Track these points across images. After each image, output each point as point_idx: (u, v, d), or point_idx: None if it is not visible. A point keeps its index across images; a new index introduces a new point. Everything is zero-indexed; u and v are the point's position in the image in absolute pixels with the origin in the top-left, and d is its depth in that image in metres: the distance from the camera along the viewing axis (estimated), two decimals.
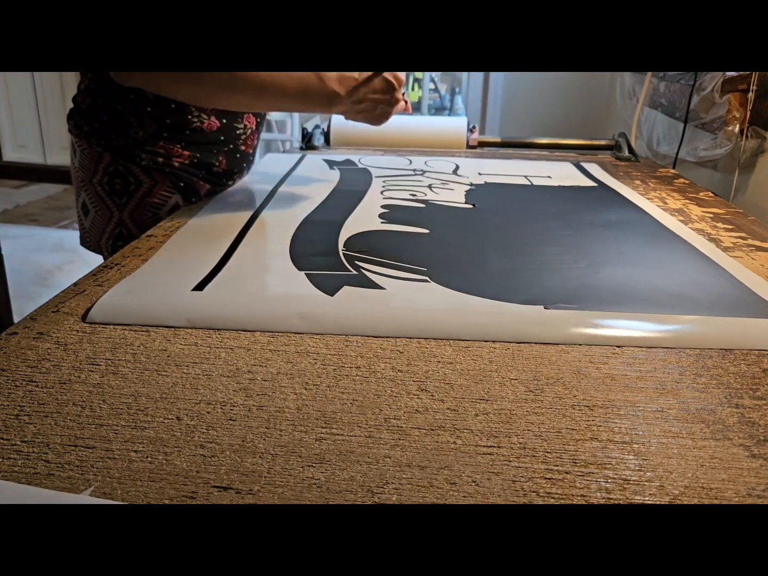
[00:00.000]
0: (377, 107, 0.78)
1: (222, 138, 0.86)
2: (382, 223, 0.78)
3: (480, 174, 1.09)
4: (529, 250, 0.70)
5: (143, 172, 0.82)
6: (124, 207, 0.83)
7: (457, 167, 1.13)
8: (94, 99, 0.81)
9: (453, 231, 0.78)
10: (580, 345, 0.50)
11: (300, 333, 0.50)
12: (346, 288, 0.57)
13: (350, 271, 0.62)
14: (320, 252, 0.67)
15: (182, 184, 0.84)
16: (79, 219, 0.90)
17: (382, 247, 0.69)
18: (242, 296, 0.56)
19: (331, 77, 0.73)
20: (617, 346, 0.49)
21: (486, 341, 0.50)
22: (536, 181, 1.05)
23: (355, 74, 0.75)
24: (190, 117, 0.81)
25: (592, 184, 1.05)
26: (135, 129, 0.80)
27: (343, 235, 0.72)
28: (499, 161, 1.24)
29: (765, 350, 0.50)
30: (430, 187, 0.98)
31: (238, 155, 0.90)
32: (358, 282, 0.59)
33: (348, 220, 0.79)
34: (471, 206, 0.89)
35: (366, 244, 0.70)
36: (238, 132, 0.88)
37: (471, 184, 1.01)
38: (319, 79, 0.72)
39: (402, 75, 0.79)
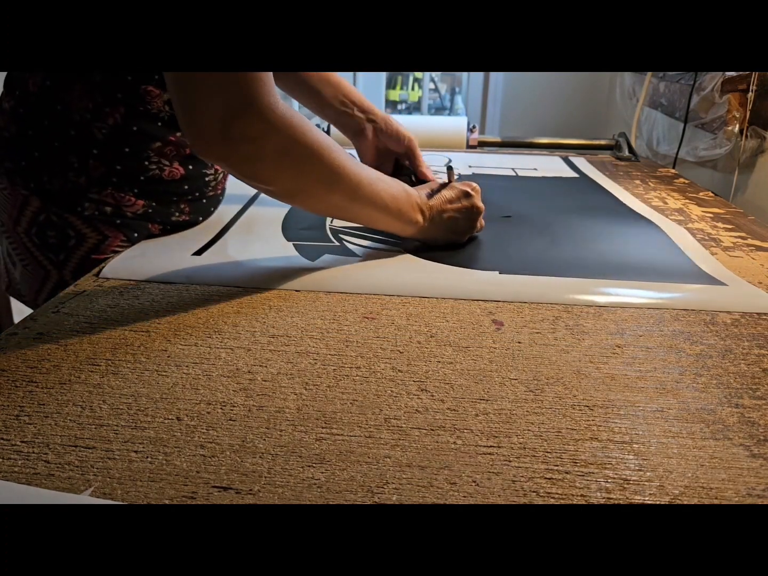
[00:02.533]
0: (459, 222, 0.68)
1: (186, 187, 0.71)
2: None
3: (470, 167, 1.14)
4: (499, 227, 0.77)
5: (86, 224, 0.66)
6: (64, 265, 0.67)
7: (450, 161, 1.18)
8: (22, 128, 0.64)
9: None
10: (527, 303, 0.57)
11: (286, 290, 0.58)
12: (326, 256, 0.65)
13: (333, 243, 0.70)
14: (309, 226, 0.75)
15: (136, 235, 0.69)
16: (4, 264, 0.74)
17: None
18: (234, 259, 0.64)
19: (416, 197, 0.65)
20: (563, 305, 0.57)
21: (443, 298, 0.58)
22: (522, 173, 1.11)
23: (431, 187, 0.68)
24: (147, 163, 0.66)
25: (574, 175, 1.09)
26: (76, 173, 0.64)
27: None
28: (490, 155, 1.28)
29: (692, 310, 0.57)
30: None
31: (205, 201, 0.75)
32: (338, 251, 0.67)
33: None
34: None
35: None
36: (207, 179, 0.73)
37: (458, 175, 1.06)
38: (407, 195, 0.64)
39: (476, 184, 0.71)
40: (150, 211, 0.69)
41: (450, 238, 0.70)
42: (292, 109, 0.53)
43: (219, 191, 0.78)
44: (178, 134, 0.67)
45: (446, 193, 0.68)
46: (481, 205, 0.70)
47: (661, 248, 0.71)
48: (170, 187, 0.69)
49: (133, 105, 0.64)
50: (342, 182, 0.57)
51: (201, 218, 0.75)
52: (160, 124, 0.66)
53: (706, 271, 0.64)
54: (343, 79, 0.82)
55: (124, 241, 0.68)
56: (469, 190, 0.69)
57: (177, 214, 0.71)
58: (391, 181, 0.63)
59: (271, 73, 0.51)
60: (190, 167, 0.70)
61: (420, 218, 0.65)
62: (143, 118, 0.65)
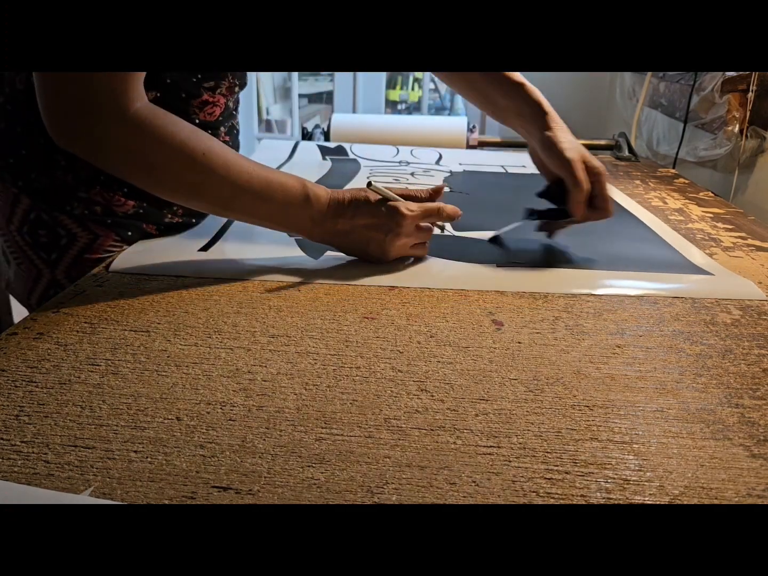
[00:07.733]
0: (370, 241, 0.61)
1: None
2: None
3: (460, 164, 1.15)
4: (492, 222, 0.78)
5: (76, 223, 0.64)
6: (56, 264, 0.65)
7: (440, 157, 1.20)
8: (11, 124, 0.63)
9: None
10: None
11: (298, 286, 0.60)
12: (328, 254, 0.66)
13: None
14: None
15: (130, 233, 0.66)
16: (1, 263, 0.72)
17: None
18: (240, 254, 0.67)
19: (320, 195, 0.59)
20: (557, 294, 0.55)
21: (445, 290, 0.59)
22: (511, 170, 1.13)
23: (347, 194, 0.60)
24: None
25: None
26: (63, 171, 0.63)
27: None
28: (479, 152, 1.29)
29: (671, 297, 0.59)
30: (412, 174, 1.06)
31: None
32: None
33: None
34: (447, 189, 0.95)
35: None
36: None
37: (450, 172, 1.08)
38: (305, 199, 0.58)
39: (415, 206, 0.60)
40: (141, 211, 0.66)
41: (360, 255, 0.63)
42: (157, 112, 0.53)
43: None
44: None
45: (363, 204, 0.60)
46: (406, 228, 0.60)
47: (646, 240, 0.74)
48: None
49: None
50: (206, 191, 0.56)
51: (194, 220, 0.72)
52: None
53: (693, 262, 0.67)
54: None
55: (117, 240, 0.66)
56: (400, 209, 0.59)
57: (170, 215, 0.69)
58: (283, 185, 0.57)
59: (138, 74, 0.52)
60: None
61: (312, 230, 0.60)
62: None
